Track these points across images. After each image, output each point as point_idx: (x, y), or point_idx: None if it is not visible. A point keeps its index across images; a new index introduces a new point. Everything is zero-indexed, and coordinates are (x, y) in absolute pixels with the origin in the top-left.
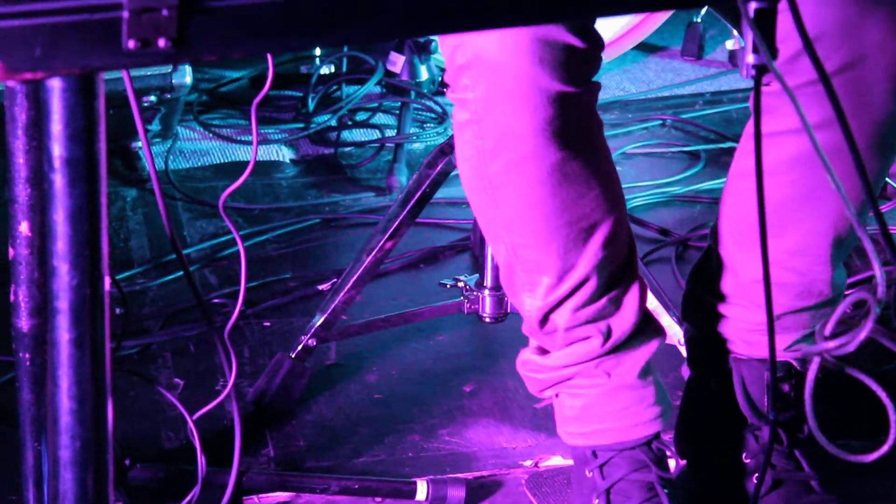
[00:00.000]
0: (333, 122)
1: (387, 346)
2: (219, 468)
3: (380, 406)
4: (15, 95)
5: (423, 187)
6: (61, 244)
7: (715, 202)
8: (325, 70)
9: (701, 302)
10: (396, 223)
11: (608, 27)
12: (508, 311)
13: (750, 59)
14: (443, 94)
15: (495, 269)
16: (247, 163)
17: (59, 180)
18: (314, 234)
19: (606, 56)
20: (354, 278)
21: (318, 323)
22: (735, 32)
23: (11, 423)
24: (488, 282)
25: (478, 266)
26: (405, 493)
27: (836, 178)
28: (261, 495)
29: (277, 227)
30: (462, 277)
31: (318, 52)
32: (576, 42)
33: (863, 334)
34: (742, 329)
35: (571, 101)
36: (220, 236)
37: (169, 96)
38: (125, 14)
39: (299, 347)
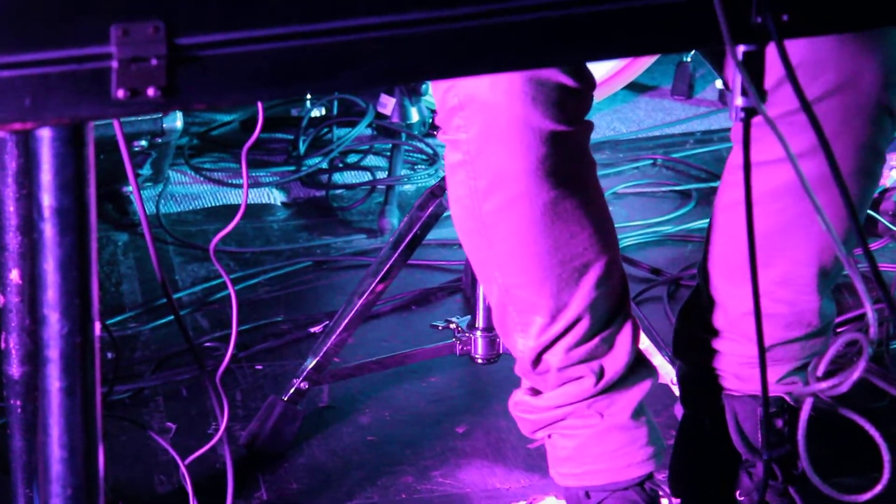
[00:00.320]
0: (324, 165)
1: (379, 388)
2: None
3: (373, 448)
4: (5, 144)
5: (415, 230)
6: (51, 293)
7: None
8: (315, 113)
9: (692, 337)
10: (388, 266)
11: (598, 67)
12: (500, 352)
13: (739, 101)
14: (433, 135)
15: (487, 310)
16: (238, 206)
17: (48, 230)
18: (306, 277)
19: (597, 96)
20: (346, 321)
21: (311, 366)
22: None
23: (3, 469)
24: (480, 323)
25: (469, 307)
26: None
27: (821, 208)
28: None
29: (269, 269)
30: (454, 319)
31: (308, 94)
32: (568, 81)
33: (855, 375)
34: (733, 363)
35: (564, 141)
36: (211, 280)
37: (160, 141)
38: (114, 64)
39: (291, 390)
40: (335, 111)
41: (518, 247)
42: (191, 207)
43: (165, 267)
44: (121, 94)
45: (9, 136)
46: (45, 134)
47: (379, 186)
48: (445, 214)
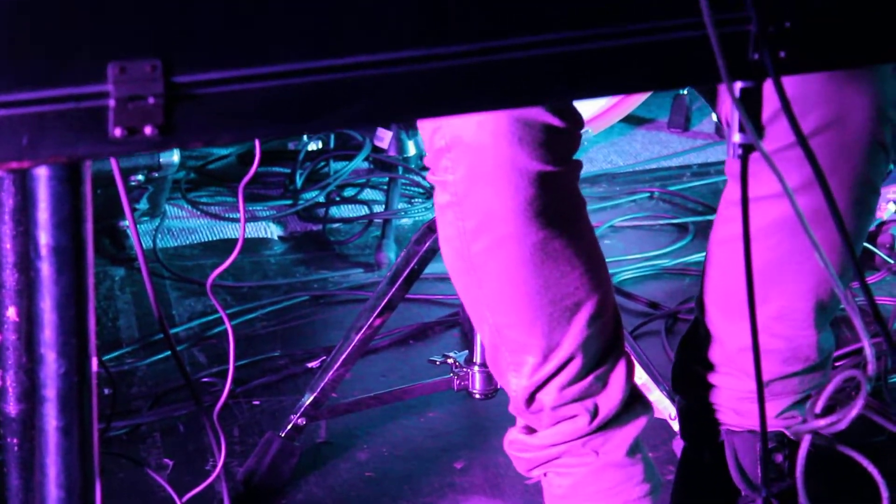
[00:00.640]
0: (321, 199)
1: (377, 424)
2: None
3: (371, 484)
4: (1, 181)
5: (412, 264)
6: (48, 332)
7: None
8: (312, 146)
9: (690, 372)
10: (385, 301)
11: (595, 100)
12: (498, 387)
13: (736, 138)
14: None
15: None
16: (235, 240)
17: (45, 268)
18: (303, 312)
19: (593, 129)
20: (344, 356)
21: (308, 401)
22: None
23: None
24: (478, 358)
25: (467, 342)
26: None
27: (818, 243)
28: None
29: (266, 304)
30: (452, 354)
31: (305, 132)
32: (555, 121)
33: (854, 412)
34: (732, 398)
35: (552, 181)
36: (209, 314)
37: (157, 175)
38: (112, 102)
39: (289, 426)
40: (332, 144)
41: (508, 287)
42: (188, 242)
43: (162, 302)
44: (118, 132)
45: (5, 174)
46: (41, 172)
47: (376, 220)
48: None
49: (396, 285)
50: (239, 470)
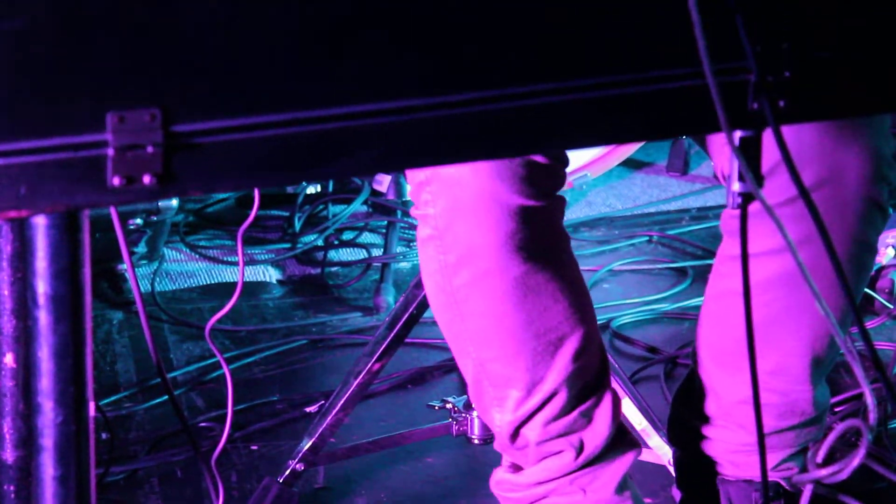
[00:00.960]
0: (320, 242)
1: (375, 469)
2: None
3: None
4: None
5: (411, 309)
6: (46, 381)
7: None
8: (311, 189)
9: (686, 424)
10: (384, 346)
11: None
12: None
13: (736, 186)
14: None
15: None
16: (234, 284)
17: (43, 317)
18: (302, 356)
19: (592, 173)
20: (342, 401)
21: (306, 447)
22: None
23: None
24: None
25: (465, 386)
26: None
27: (820, 296)
28: None
29: (264, 348)
30: (450, 399)
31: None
32: (538, 157)
33: (855, 462)
34: (727, 450)
35: (534, 215)
36: (207, 358)
37: (155, 218)
38: (110, 152)
39: (287, 472)
40: (331, 188)
41: (490, 321)
42: (186, 285)
43: (160, 345)
44: (116, 181)
45: (3, 222)
46: (40, 221)
47: (374, 264)
48: None
49: (395, 330)
50: None
